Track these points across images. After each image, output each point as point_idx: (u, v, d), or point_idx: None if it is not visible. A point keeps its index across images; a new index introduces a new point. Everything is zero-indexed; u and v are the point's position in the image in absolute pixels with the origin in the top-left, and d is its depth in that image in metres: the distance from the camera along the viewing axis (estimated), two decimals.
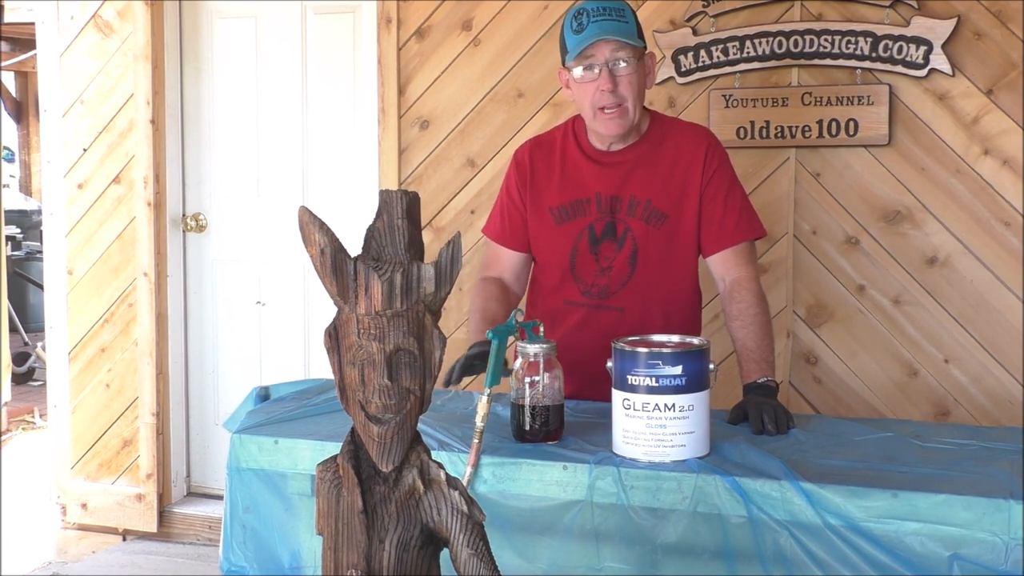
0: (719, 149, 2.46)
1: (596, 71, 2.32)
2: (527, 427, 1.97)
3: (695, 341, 1.95)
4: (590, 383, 2.27)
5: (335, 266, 1.36)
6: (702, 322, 2.77)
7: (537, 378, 1.97)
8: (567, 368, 2.08)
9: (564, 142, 2.50)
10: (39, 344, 6.66)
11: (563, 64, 2.40)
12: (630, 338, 1.99)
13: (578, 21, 2.33)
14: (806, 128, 3.26)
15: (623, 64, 2.32)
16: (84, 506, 4.18)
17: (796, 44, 3.25)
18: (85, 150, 4.09)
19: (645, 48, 2.38)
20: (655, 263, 2.41)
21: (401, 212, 1.38)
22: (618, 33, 2.31)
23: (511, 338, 2.06)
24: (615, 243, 2.42)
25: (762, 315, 2.35)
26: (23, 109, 12.17)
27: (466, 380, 2.37)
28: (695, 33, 3.36)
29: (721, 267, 2.42)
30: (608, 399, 2.00)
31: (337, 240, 1.36)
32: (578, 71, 2.34)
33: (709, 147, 2.43)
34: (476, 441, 1.90)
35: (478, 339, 2.31)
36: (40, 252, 7.54)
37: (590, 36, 2.30)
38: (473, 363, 2.16)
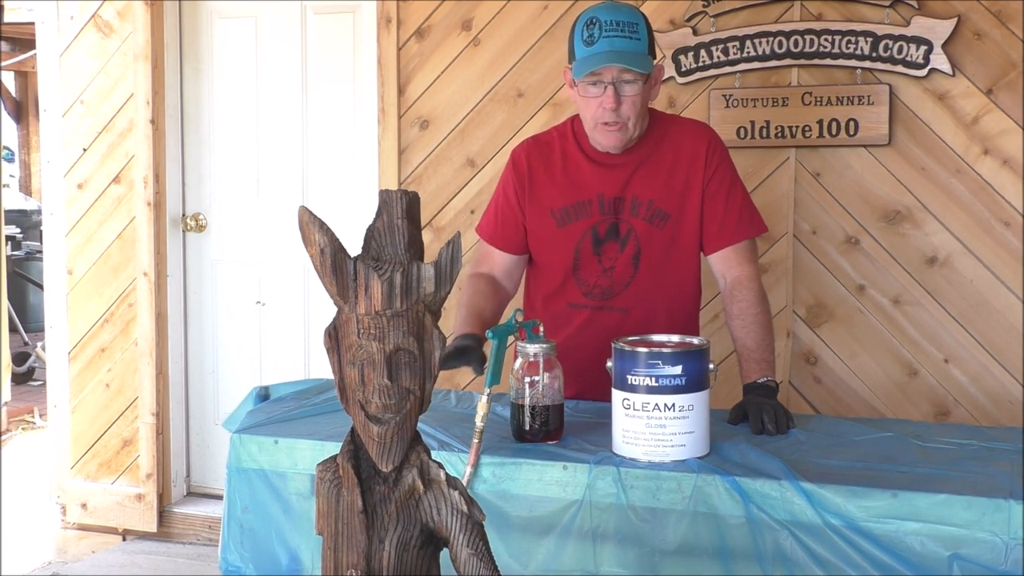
0: (720, 146, 2.45)
1: (602, 88, 2.29)
2: (527, 427, 1.97)
3: (695, 341, 1.95)
4: (594, 384, 2.26)
5: (335, 266, 1.36)
6: (702, 322, 2.77)
7: (537, 378, 1.97)
8: (570, 370, 2.08)
9: (564, 143, 2.47)
10: (39, 344, 6.67)
11: (569, 63, 2.39)
12: (630, 338, 1.99)
13: (589, 31, 2.28)
14: (806, 128, 3.26)
15: (629, 84, 2.29)
16: (84, 506, 4.18)
17: (796, 44, 3.25)
18: (85, 150, 4.10)
19: (652, 70, 2.33)
20: (658, 263, 2.40)
21: (401, 212, 1.38)
22: (627, 57, 2.26)
23: (511, 338, 2.06)
24: (618, 243, 2.41)
25: (763, 314, 2.34)
26: (23, 109, 12.17)
27: (466, 379, 2.37)
28: (695, 33, 3.36)
29: (722, 265, 2.41)
30: (603, 402, 2.00)
31: (337, 240, 1.36)
32: (583, 84, 2.31)
33: (710, 144, 2.42)
34: (476, 441, 1.90)
35: (464, 330, 2.28)
36: (40, 252, 7.54)
37: (599, 57, 2.26)
38: (456, 355, 2.11)
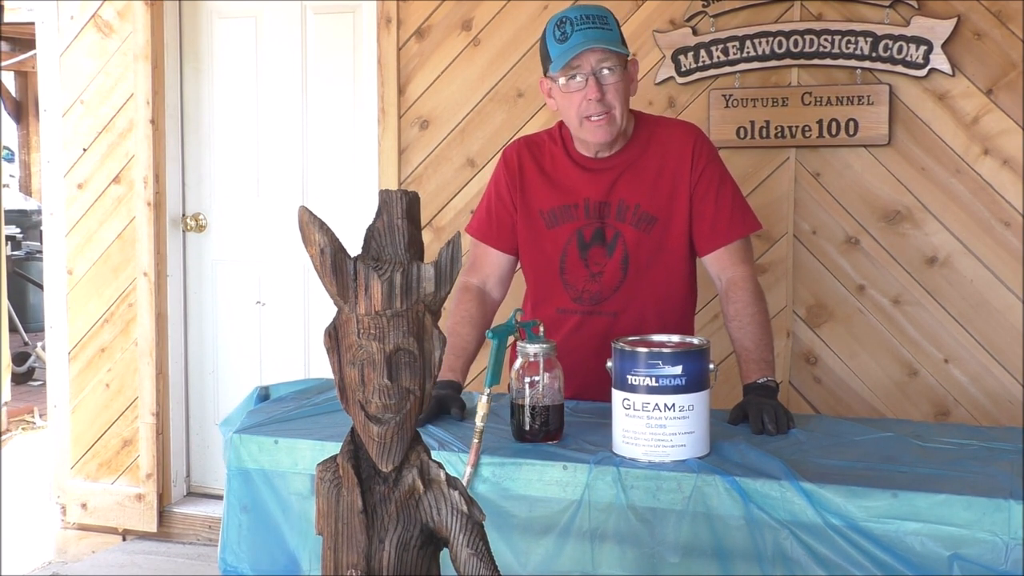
0: (706, 145, 2.44)
1: (583, 80, 2.30)
2: (527, 427, 1.97)
3: (695, 341, 1.95)
4: (587, 386, 2.27)
5: (335, 266, 1.36)
6: (702, 322, 2.77)
7: (537, 378, 1.97)
8: (564, 375, 2.07)
9: (552, 146, 2.47)
10: (39, 344, 6.67)
11: (545, 74, 2.38)
12: (630, 338, 1.99)
13: (561, 30, 2.30)
14: (806, 128, 3.26)
15: (609, 72, 2.30)
16: (84, 506, 4.18)
17: (796, 44, 3.25)
18: (85, 150, 4.10)
19: (629, 55, 2.36)
20: (646, 267, 2.40)
21: (401, 212, 1.38)
22: (603, 41, 2.28)
23: (511, 338, 2.06)
24: (604, 248, 2.40)
25: (759, 314, 2.33)
26: (23, 109, 12.17)
27: (467, 379, 2.37)
28: (695, 33, 3.36)
29: (716, 266, 2.40)
30: (602, 402, 2.00)
31: (337, 240, 1.36)
32: (564, 80, 2.31)
33: (696, 144, 2.41)
34: (476, 441, 1.90)
35: (443, 376, 2.23)
36: (40, 252, 7.54)
37: (576, 45, 2.27)
38: (435, 408, 2.13)
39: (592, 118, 2.32)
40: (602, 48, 2.28)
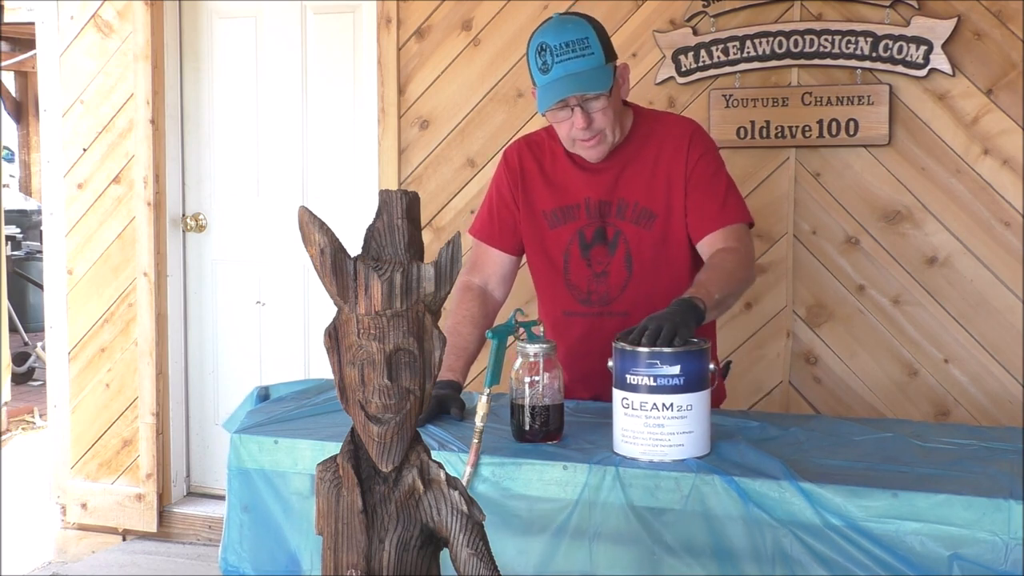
0: (703, 138, 2.42)
1: (569, 111, 2.27)
2: (527, 427, 1.97)
3: (694, 341, 1.95)
4: (604, 392, 2.25)
5: (335, 266, 1.36)
6: None
7: (537, 378, 1.97)
8: (582, 375, 2.05)
9: (552, 144, 2.46)
10: (39, 344, 6.67)
11: (533, 85, 2.35)
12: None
13: (542, 59, 2.26)
14: (806, 128, 3.26)
15: (595, 101, 2.27)
16: (84, 506, 4.18)
17: (796, 44, 3.25)
18: (85, 150, 4.10)
19: (616, 69, 2.31)
20: (651, 263, 2.39)
21: (401, 212, 1.38)
22: (583, 79, 2.23)
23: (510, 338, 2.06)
24: (606, 247, 2.39)
25: (736, 270, 2.24)
26: (23, 109, 12.17)
27: (467, 379, 2.37)
28: (695, 33, 3.36)
29: (709, 248, 2.34)
30: (603, 402, 1.99)
31: (337, 240, 1.37)
32: (551, 112, 2.29)
33: (692, 138, 2.38)
34: (476, 441, 1.90)
35: (443, 376, 2.21)
36: (40, 252, 7.54)
37: (557, 86, 2.24)
38: (435, 408, 2.12)
39: (583, 140, 2.32)
40: (582, 93, 2.23)
